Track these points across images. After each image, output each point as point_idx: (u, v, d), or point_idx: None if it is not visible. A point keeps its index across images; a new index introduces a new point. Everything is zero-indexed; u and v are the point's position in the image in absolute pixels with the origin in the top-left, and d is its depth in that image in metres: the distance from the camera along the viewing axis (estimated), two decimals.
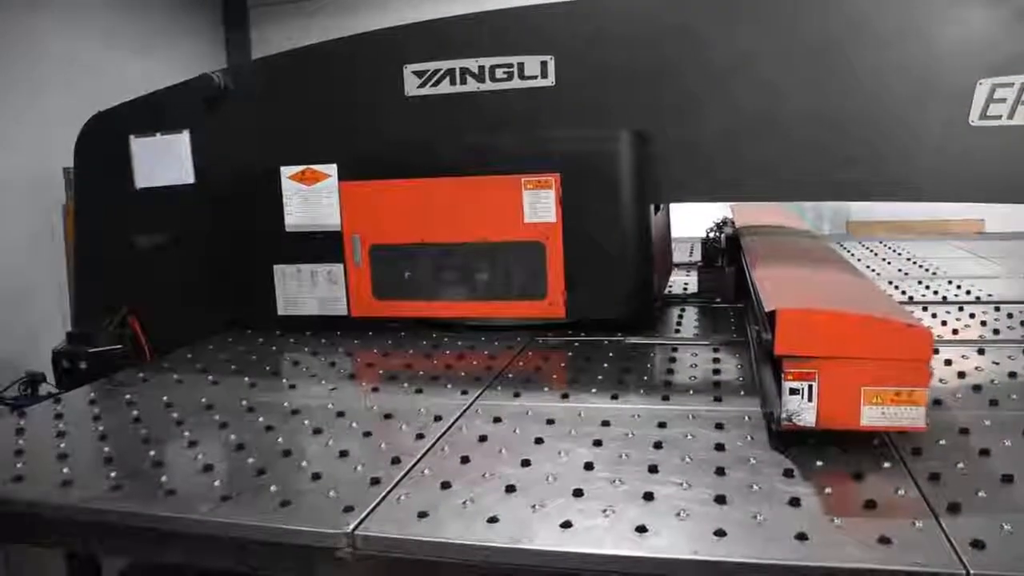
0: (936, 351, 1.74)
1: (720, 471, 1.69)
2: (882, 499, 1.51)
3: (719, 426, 1.96)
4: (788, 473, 1.67)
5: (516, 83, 2.98)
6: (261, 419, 2.18)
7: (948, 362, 2.38)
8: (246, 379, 2.61)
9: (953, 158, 2.72)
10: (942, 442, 1.78)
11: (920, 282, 3.70)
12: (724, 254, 3.53)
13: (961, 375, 2.29)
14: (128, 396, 2.49)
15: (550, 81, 2.96)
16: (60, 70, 6.85)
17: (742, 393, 2.22)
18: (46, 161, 6.20)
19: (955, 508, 1.46)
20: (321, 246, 3.14)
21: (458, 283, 3.04)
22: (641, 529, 1.45)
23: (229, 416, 2.23)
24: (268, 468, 1.84)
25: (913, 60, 2.70)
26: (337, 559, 1.52)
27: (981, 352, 2.54)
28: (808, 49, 2.77)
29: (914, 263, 4.23)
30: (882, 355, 1.69)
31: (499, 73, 2.99)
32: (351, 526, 1.53)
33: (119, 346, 3.28)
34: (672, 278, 4.00)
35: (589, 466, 1.75)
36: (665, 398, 2.21)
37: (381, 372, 2.64)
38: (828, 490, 1.58)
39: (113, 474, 1.84)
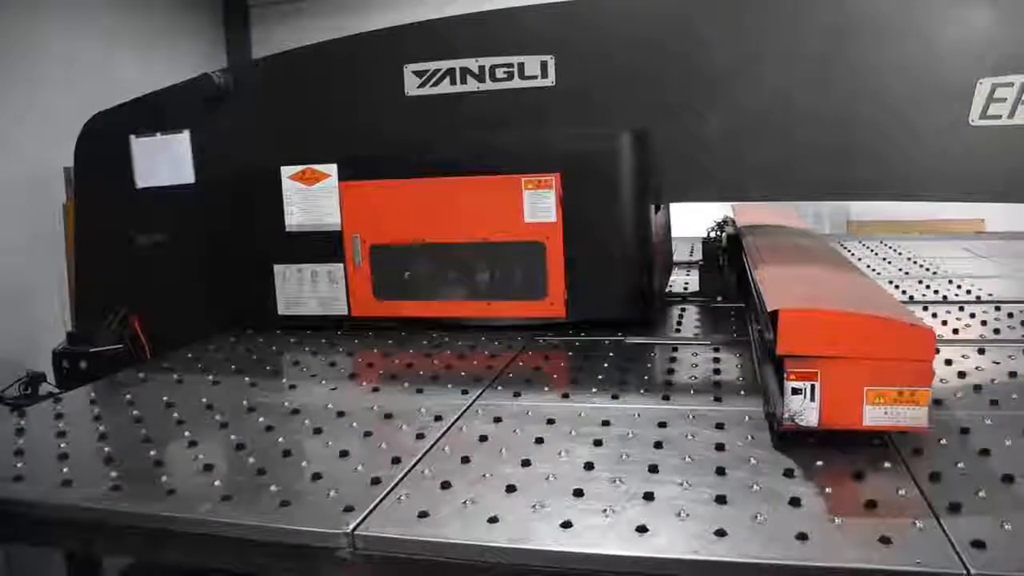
0: (936, 351, 1.73)
1: (720, 471, 1.69)
2: (883, 499, 1.51)
3: (719, 426, 1.96)
4: (788, 473, 1.66)
5: (516, 83, 2.98)
6: (261, 419, 2.18)
7: (948, 362, 2.38)
8: (246, 379, 2.61)
9: (953, 158, 2.72)
10: (943, 442, 1.78)
11: (920, 281, 3.70)
12: (725, 253, 3.53)
13: (961, 375, 2.29)
14: (128, 396, 2.49)
15: (550, 81, 2.96)
16: (60, 70, 6.86)
17: (742, 393, 2.22)
18: (46, 161, 6.20)
19: (956, 508, 1.46)
20: (321, 246, 3.14)
21: (458, 283, 3.04)
22: (641, 529, 1.45)
23: (229, 416, 2.23)
24: (268, 468, 1.84)
25: (913, 60, 2.70)
26: (337, 559, 1.52)
27: (981, 352, 2.54)
28: (809, 49, 2.77)
29: (914, 262, 4.23)
30: (884, 355, 1.69)
31: (499, 73, 2.99)
32: (351, 526, 1.53)
33: (119, 346, 3.28)
34: (672, 277, 4.00)
35: (589, 466, 1.75)
36: (665, 398, 2.21)
37: (381, 372, 2.63)
38: (828, 490, 1.58)
39: (113, 474, 1.84)
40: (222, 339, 3.19)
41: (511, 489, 1.65)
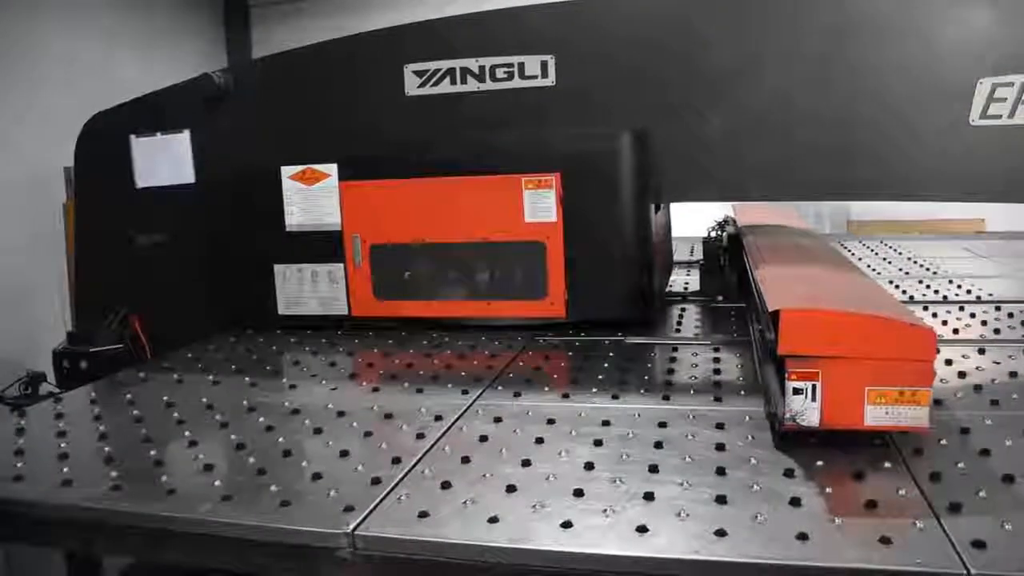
0: (937, 351, 1.73)
1: (721, 471, 1.69)
2: (883, 499, 1.51)
3: (720, 426, 1.96)
4: (789, 473, 1.66)
5: (516, 83, 2.98)
6: (261, 419, 2.18)
7: (949, 362, 2.38)
8: (246, 379, 2.61)
9: (953, 158, 2.72)
10: (943, 442, 1.78)
11: (921, 281, 3.70)
12: (726, 253, 3.53)
13: (962, 375, 2.29)
14: (128, 396, 2.49)
15: (550, 81, 2.96)
16: (61, 70, 6.86)
17: (743, 393, 2.22)
18: (46, 161, 6.20)
19: (956, 508, 1.46)
20: (321, 246, 3.14)
21: (458, 283, 3.04)
22: (642, 529, 1.45)
23: (229, 416, 2.23)
24: (268, 468, 1.84)
25: (913, 60, 2.70)
26: (337, 559, 1.52)
27: (982, 352, 2.53)
28: (809, 49, 2.77)
29: (915, 262, 4.23)
30: (886, 355, 1.69)
31: (499, 73, 2.99)
32: (351, 526, 1.53)
33: (119, 346, 3.28)
34: (673, 277, 4.00)
35: (589, 466, 1.75)
36: (666, 398, 2.21)
37: (381, 372, 2.63)
38: (829, 490, 1.58)
39: (113, 474, 1.84)
40: (222, 339, 3.19)
41: (511, 489, 1.65)
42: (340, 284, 3.16)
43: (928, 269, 4.04)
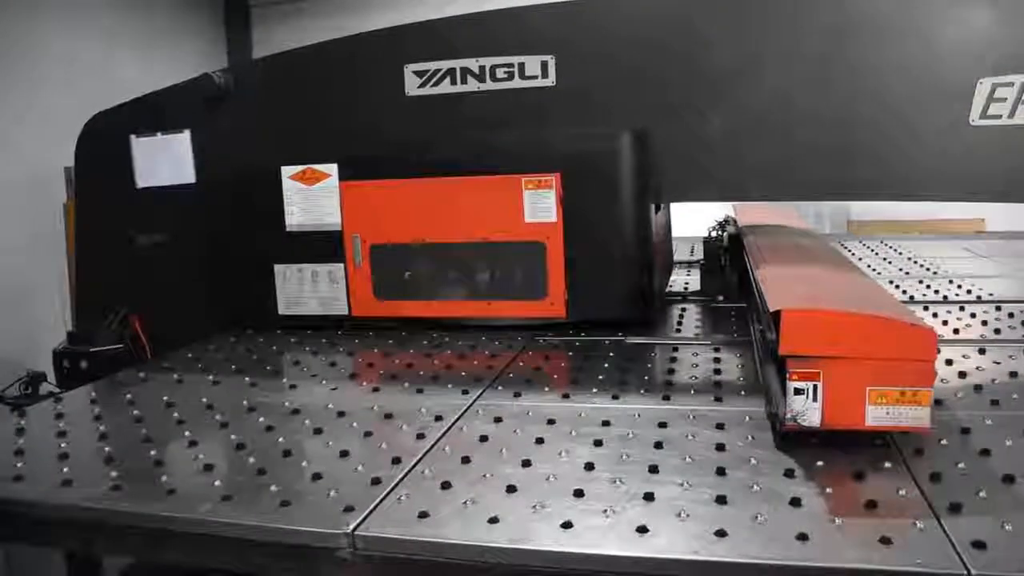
0: (938, 351, 1.73)
1: (721, 471, 1.69)
2: (883, 499, 1.51)
3: (720, 426, 1.96)
4: (789, 473, 1.66)
5: (517, 83, 2.98)
6: (261, 419, 2.18)
7: (949, 362, 2.38)
8: (246, 379, 2.61)
9: (954, 158, 2.72)
10: (943, 442, 1.78)
11: (921, 281, 3.70)
12: (726, 253, 3.53)
13: (962, 375, 2.29)
14: (128, 396, 2.49)
15: (551, 81, 2.96)
16: (61, 70, 6.86)
17: (743, 393, 2.22)
18: (46, 161, 6.20)
19: (956, 508, 1.46)
20: (321, 246, 3.14)
21: (458, 283, 3.04)
22: (642, 529, 1.45)
23: (229, 416, 2.23)
24: (268, 468, 1.84)
25: (913, 60, 2.70)
26: (337, 559, 1.52)
27: (982, 352, 2.53)
28: (809, 49, 2.77)
29: (915, 262, 4.23)
30: (887, 355, 1.69)
31: (499, 73, 2.99)
32: (351, 526, 1.53)
33: (119, 346, 3.28)
34: (673, 277, 4.00)
35: (590, 466, 1.75)
36: (666, 398, 2.21)
37: (382, 372, 2.63)
38: (829, 490, 1.58)
39: (113, 474, 1.84)
40: (222, 339, 3.19)
41: (511, 489, 1.64)
42: (340, 284, 3.16)
43: (928, 269, 4.04)
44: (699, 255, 3.83)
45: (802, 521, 1.45)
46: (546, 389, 2.34)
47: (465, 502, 1.59)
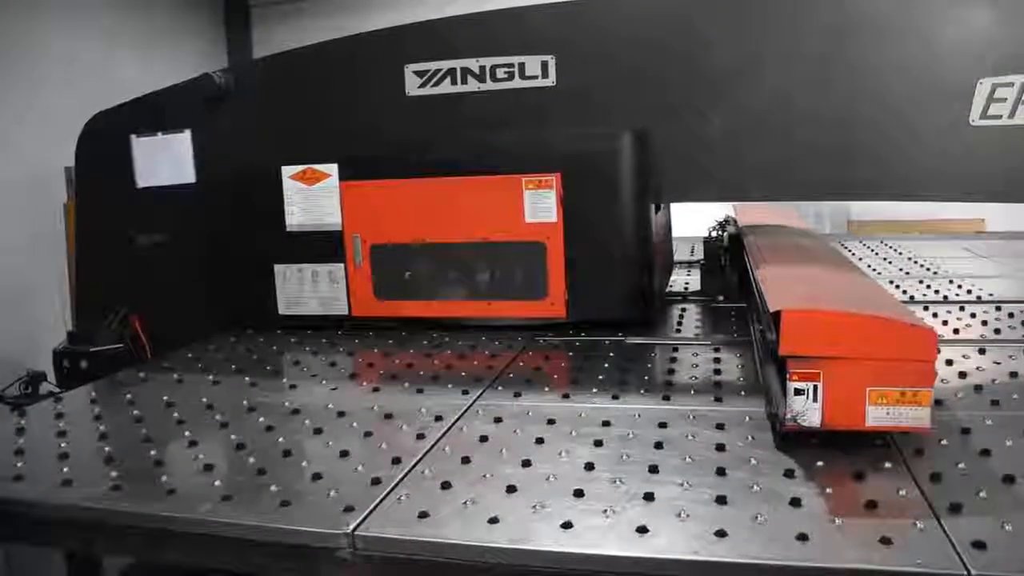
0: (938, 351, 1.73)
1: (721, 471, 1.69)
2: (883, 499, 1.51)
3: (720, 426, 1.96)
4: (789, 473, 1.66)
5: (517, 83, 2.98)
6: (261, 419, 2.18)
7: (949, 362, 2.38)
8: (246, 379, 2.61)
9: (953, 158, 2.72)
10: (943, 442, 1.78)
11: (921, 281, 3.70)
12: (727, 253, 3.53)
13: (962, 375, 2.29)
14: (128, 396, 2.49)
15: (551, 81, 2.96)
16: (61, 70, 6.86)
17: (743, 393, 2.22)
18: (46, 161, 6.20)
19: (956, 508, 1.46)
20: (322, 246, 3.14)
21: (459, 283, 3.04)
22: (642, 529, 1.45)
23: (229, 416, 2.23)
24: (268, 468, 1.84)
25: (913, 60, 2.70)
26: (337, 559, 1.52)
27: (982, 352, 2.53)
28: (809, 49, 2.77)
29: (915, 262, 4.23)
30: (887, 355, 1.69)
31: (500, 73, 2.99)
32: (351, 526, 1.53)
33: (119, 345, 3.28)
34: (673, 277, 4.00)
35: (590, 466, 1.75)
36: (666, 398, 2.21)
37: (382, 372, 2.63)
38: (829, 490, 1.58)
39: (113, 474, 1.84)
40: (222, 339, 3.19)
41: (511, 489, 1.64)
42: (340, 284, 3.16)
43: (928, 269, 4.04)
44: (699, 255, 3.83)
45: (802, 521, 1.45)
46: (546, 389, 2.34)
47: (465, 502, 1.59)
